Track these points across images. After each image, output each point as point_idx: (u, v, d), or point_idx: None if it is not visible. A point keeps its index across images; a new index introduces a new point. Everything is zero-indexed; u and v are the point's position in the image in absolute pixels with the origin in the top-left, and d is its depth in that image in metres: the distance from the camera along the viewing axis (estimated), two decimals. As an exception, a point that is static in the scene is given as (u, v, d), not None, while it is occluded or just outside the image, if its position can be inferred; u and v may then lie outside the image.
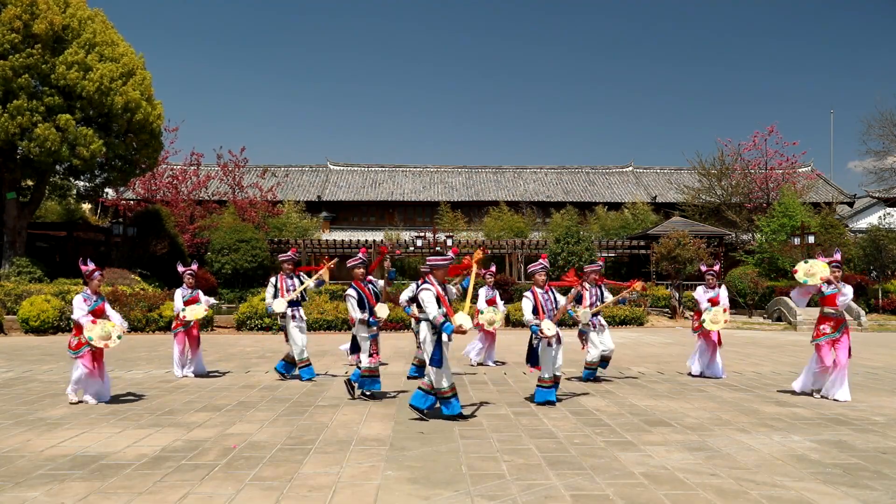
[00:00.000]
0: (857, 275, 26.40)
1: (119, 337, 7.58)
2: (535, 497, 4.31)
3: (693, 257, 25.46)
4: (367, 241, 33.15)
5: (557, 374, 7.48)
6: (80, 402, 7.56)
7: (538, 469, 4.94)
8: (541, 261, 7.71)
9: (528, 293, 7.51)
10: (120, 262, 23.61)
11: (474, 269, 6.97)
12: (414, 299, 6.82)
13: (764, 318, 24.04)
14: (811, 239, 25.63)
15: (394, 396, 7.98)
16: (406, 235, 34.35)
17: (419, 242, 28.92)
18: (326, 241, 33.63)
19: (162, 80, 54.11)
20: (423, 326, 6.72)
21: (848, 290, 8.00)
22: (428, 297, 6.58)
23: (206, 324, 19.44)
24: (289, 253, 9.77)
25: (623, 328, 21.10)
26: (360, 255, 7.94)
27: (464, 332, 6.38)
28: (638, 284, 9.42)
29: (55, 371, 10.21)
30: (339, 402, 7.64)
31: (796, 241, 26.09)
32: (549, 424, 6.49)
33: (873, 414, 7.10)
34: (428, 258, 6.88)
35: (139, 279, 22.09)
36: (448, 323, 6.39)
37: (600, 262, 9.67)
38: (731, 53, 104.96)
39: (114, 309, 8.24)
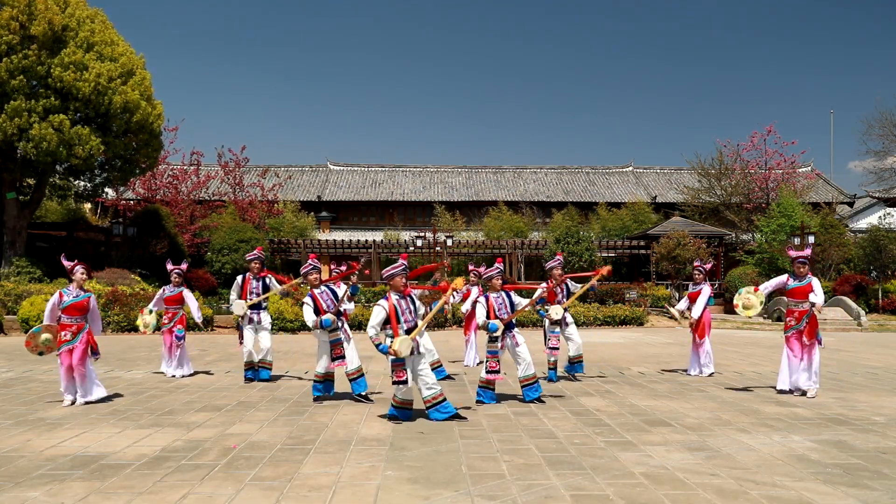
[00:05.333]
0: (857, 275, 26.41)
1: (41, 353, 7.59)
2: (535, 497, 4.31)
3: (693, 257, 25.46)
4: (366, 240, 33.16)
5: (530, 373, 7.57)
6: (71, 402, 7.52)
7: (538, 469, 4.94)
8: (497, 265, 7.89)
9: (481, 298, 7.66)
10: (120, 262, 23.61)
11: (449, 295, 6.89)
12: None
13: (764, 318, 24.03)
14: (811, 239, 25.65)
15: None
16: (406, 235, 34.36)
17: (419, 242, 28.92)
18: (326, 240, 33.64)
19: (162, 80, 54.23)
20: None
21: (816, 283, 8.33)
22: (375, 312, 6.51)
23: (206, 324, 19.44)
24: (255, 252, 9.57)
25: (623, 328, 21.10)
26: (310, 261, 7.98)
27: (397, 356, 6.34)
28: (605, 269, 9.30)
29: (55, 371, 10.18)
30: (339, 402, 7.64)
31: (796, 241, 26.11)
32: (549, 424, 6.49)
33: (873, 414, 7.10)
34: (382, 271, 6.80)
35: (139, 279, 22.08)
36: (383, 345, 6.38)
37: (559, 257, 9.44)
38: (731, 53, 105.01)
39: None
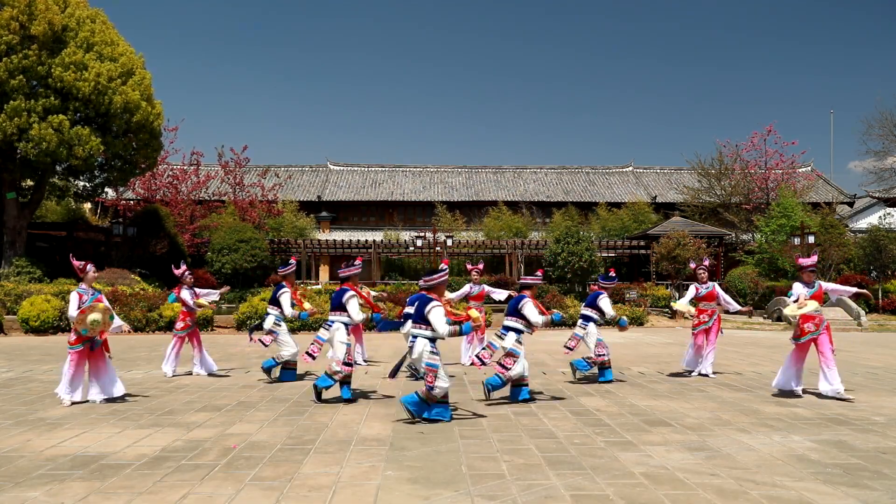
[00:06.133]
0: (857, 275, 26.40)
1: (95, 321, 7.39)
2: (535, 497, 4.31)
3: (693, 257, 25.46)
4: (366, 240, 33.16)
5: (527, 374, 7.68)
6: (74, 403, 7.50)
7: (538, 469, 4.94)
8: (538, 274, 8.22)
9: (530, 301, 7.61)
10: (120, 262, 23.61)
11: (476, 322, 6.95)
12: (423, 317, 6.69)
13: (764, 318, 24.03)
14: (811, 239, 25.63)
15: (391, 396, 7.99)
16: (406, 235, 34.36)
17: (419, 242, 28.92)
18: (326, 240, 33.64)
19: (162, 80, 54.24)
20: (421, 342, 6.56)
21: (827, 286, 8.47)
22: (440, 312, 6.52)
23: (206, 324, 19.44)
24: (293, 262, 9.78)
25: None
26: (357, 262, 8.02)
27: (479, 326, 6.84)
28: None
29: (55, 371, 10.20)
30: (339, 402, 7.63)
31: (796, 241, 26.10)
32: (549, 424, 6.49)
33: (873, 414, 7.10)
34: (425, 278, 6.84)
35: (139, 279, 22.09)
36: (467, 324, 6.59)
37: (613, 274, 9.84)
38: (731, 53, 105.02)
39: (113, 309, 8.26)
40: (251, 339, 9.38)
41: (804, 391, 8.26)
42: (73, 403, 7.47)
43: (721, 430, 6.26)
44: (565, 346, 9.12)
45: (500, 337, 7.54)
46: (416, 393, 6.57)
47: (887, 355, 13.14)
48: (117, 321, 7.93)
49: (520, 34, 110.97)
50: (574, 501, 4.23)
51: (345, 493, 4.39)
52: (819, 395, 8.04)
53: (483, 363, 7.33)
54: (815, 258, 8.61)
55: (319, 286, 24.97)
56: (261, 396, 8.06)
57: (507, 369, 7.38)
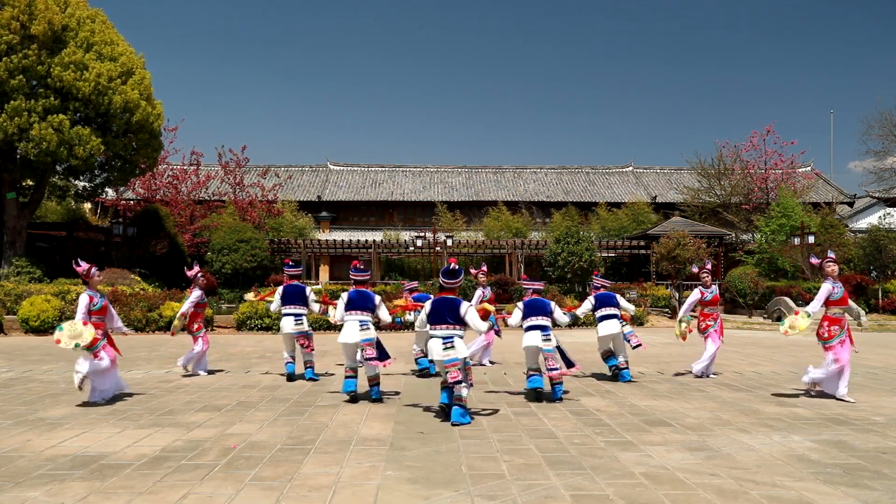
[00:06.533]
0: (857, 275, 26.39)
1: (76, 346, 7.32)
2: (535, 497, 4.31)
3: (693, 257, 25.45)
4: (366, 240, 33.15)
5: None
6: (82, 387, 7.54)
7: (538, 469, 4.94)
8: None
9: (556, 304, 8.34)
10: (120, 262, 23.61)
11: (502, 315, 7.64)
12: (459, 319, 6.70)
13: (764, 318, 24.02)
14: (811, 239, 25.63)
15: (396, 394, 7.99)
16: (406, 235, 34.36)
17: (419, 242, 28.92)
18: (326, 240, 33.63)
19: (162, 80, 54.30)
20: (461, 343, 6.63)
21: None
22: (476, 312, 6.80)
23: (206, 324, 19.40)
24: (300, 265, 9.88)
25: (623, 328, 21.06)
26: (360, 266, 8.12)
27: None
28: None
29: (55, 371, 10.21)
30: (339, 402, 7.64)
31: (796, 241, 26.09)
32: (549, 424, 6.49)
33: (873, 414, 7.10)
34: (447, 280, 6.89)
35: (139, 279, 22.07)
36: (491, 317, 7.11)
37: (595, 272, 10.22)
38: (731, 53, 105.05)
39: (114, 308, 8.34)
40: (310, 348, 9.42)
41: (805, 392, 8.27)
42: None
43: (721, 430, 6.26)
44: (635, 347, 9.33)
45: (546, 339, 7.75)
46: (457, 407, 6.50)
47: (887, 355, 13.13)
48: (119, 322, 8.29)
49: (520, 34, 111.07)
50: (574, 501, 4.23)
51: (345, 493, 4.39)
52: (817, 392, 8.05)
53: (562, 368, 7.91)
54: (831, 254, 8.43)
55: (319, 286, 24.97)
56: (261, 396, 8.06)
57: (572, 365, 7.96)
